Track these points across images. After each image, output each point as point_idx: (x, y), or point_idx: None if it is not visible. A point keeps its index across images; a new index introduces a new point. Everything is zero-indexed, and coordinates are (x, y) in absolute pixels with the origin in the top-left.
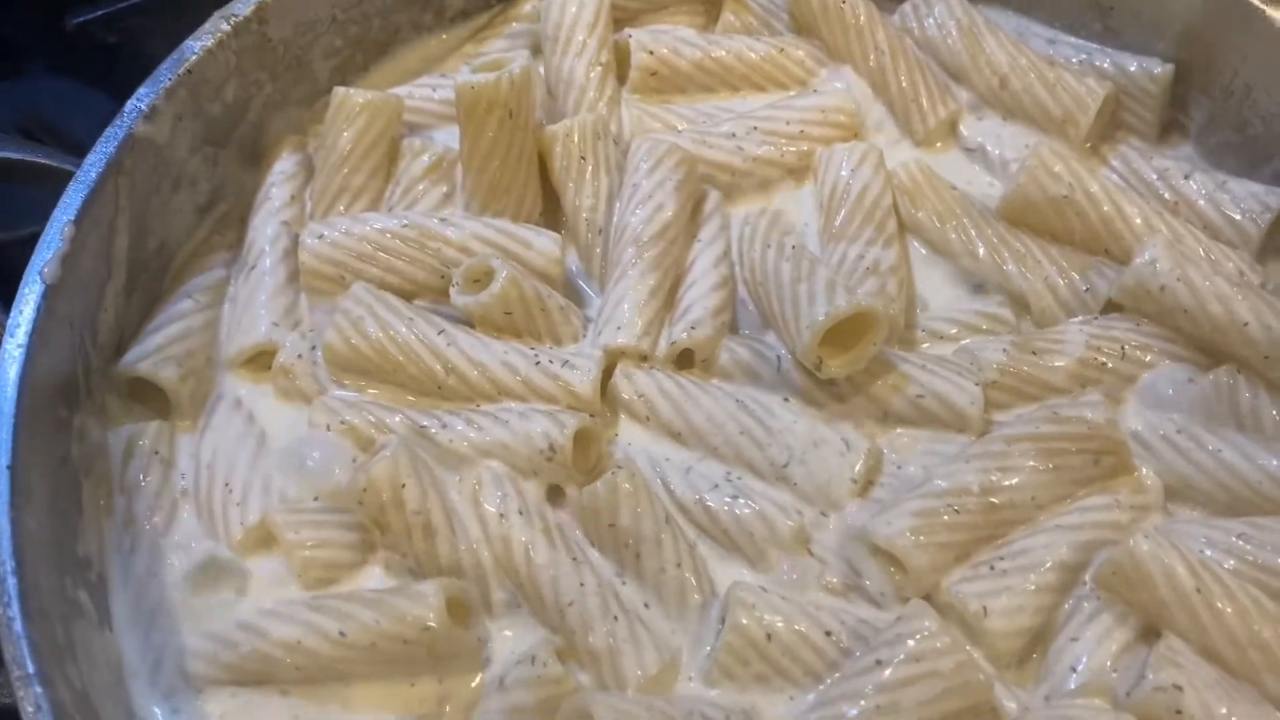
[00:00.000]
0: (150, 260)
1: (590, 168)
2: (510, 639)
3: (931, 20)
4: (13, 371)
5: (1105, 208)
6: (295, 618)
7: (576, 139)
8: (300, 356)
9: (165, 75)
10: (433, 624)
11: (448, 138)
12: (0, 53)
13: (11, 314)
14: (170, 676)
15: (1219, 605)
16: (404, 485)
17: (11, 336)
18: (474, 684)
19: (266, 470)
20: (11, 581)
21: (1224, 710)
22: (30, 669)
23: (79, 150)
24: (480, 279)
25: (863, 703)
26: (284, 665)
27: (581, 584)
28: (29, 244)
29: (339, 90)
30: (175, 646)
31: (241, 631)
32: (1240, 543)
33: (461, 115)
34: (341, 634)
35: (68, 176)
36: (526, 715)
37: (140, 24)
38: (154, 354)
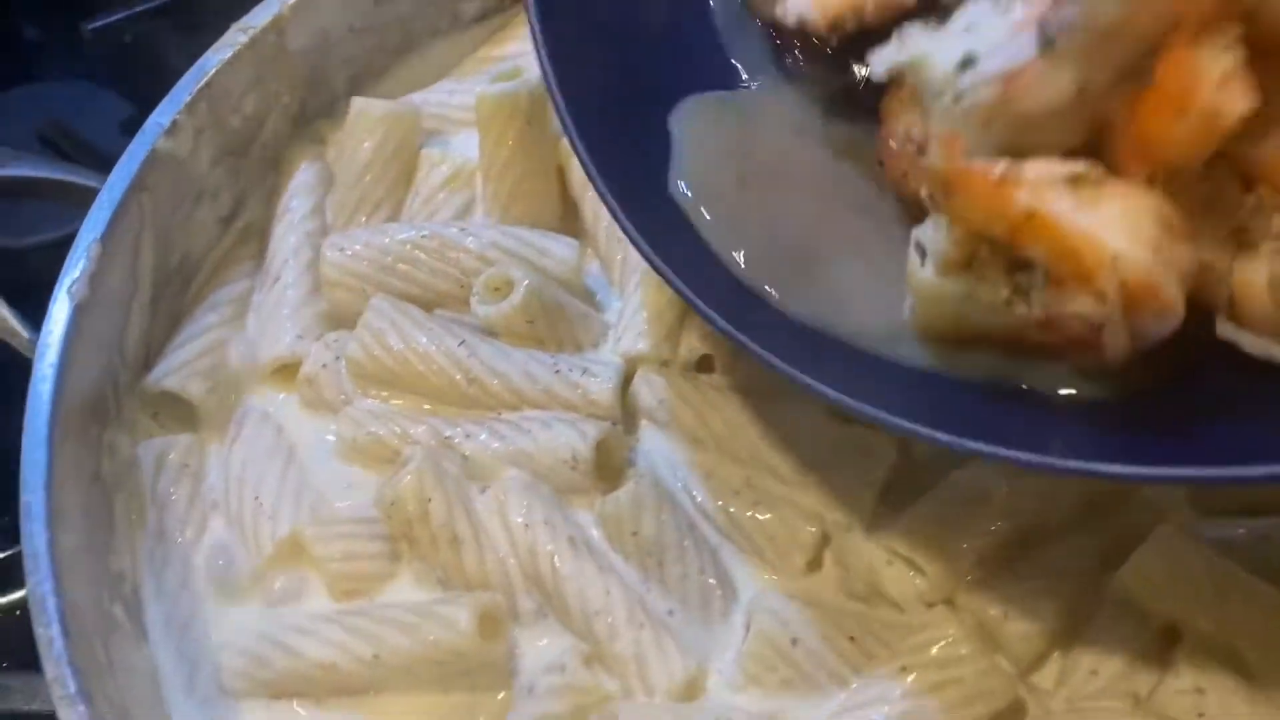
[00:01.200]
0: (174, 274)
1: None
2: (540, 648)
3: None
4: (45, 390)
5: None
6: (330, 639)
7: None
8: (324, 367)
9: (185, 89)
10: (465, 649)
11: (465, 144)
12: (18, 57)
13: (41, 334)
14: (206, 688)
15: (1240, 605)
16: (430, 499)
17: (43, 357)
18: (503, 694)
19: (296, 482)
20: (51, 602)
21: (1246, 712)
22: (72, 689)
23: (96, 155)
24: (500, 288)
25: (888, 708)
26: (318, 683)
27: (608, 592)
28: (42, 251)
29: (357, 101)
30: (210, 659)
31: (276, 650)
32: (1259, 542)
33: (481, 125)
34: (375, 656)
35: (90, 191)
36: None
37: (156, 27)
38: (181, 369)
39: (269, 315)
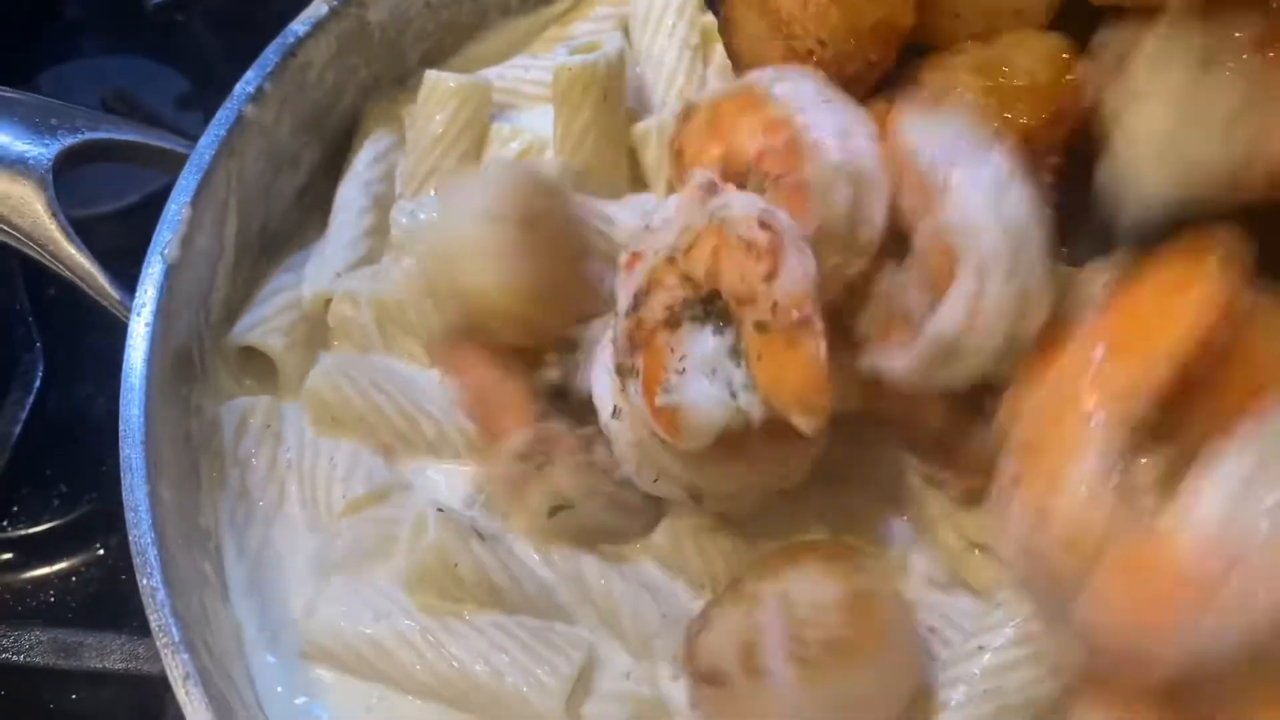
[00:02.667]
0: (255, 239)
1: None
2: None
3: None
4: (141, 348)
5: None
6: (422, 657)
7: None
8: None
9: (271, 58)
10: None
11: (535, 119)
12: (81, 34)
13: (136, 294)
14: (287, 650)
15: None
16: (456, 565)
17: (138, 316)
18: None
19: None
20: (153, 553)
21: None
22: (176, 637)
23: (160, 124)
24: None
25: (965, 688)
26: (400, 681)
27: (664, 615)
28: (114, 219)
29: (430, 74)
30: (291, 624)
31: (362, 642)
32: None
33: (557, 97)
34: (463, 694)
35: (175, 156)
36: None
37: (217, 5)
38: (261, 325)
39: (318, 254)
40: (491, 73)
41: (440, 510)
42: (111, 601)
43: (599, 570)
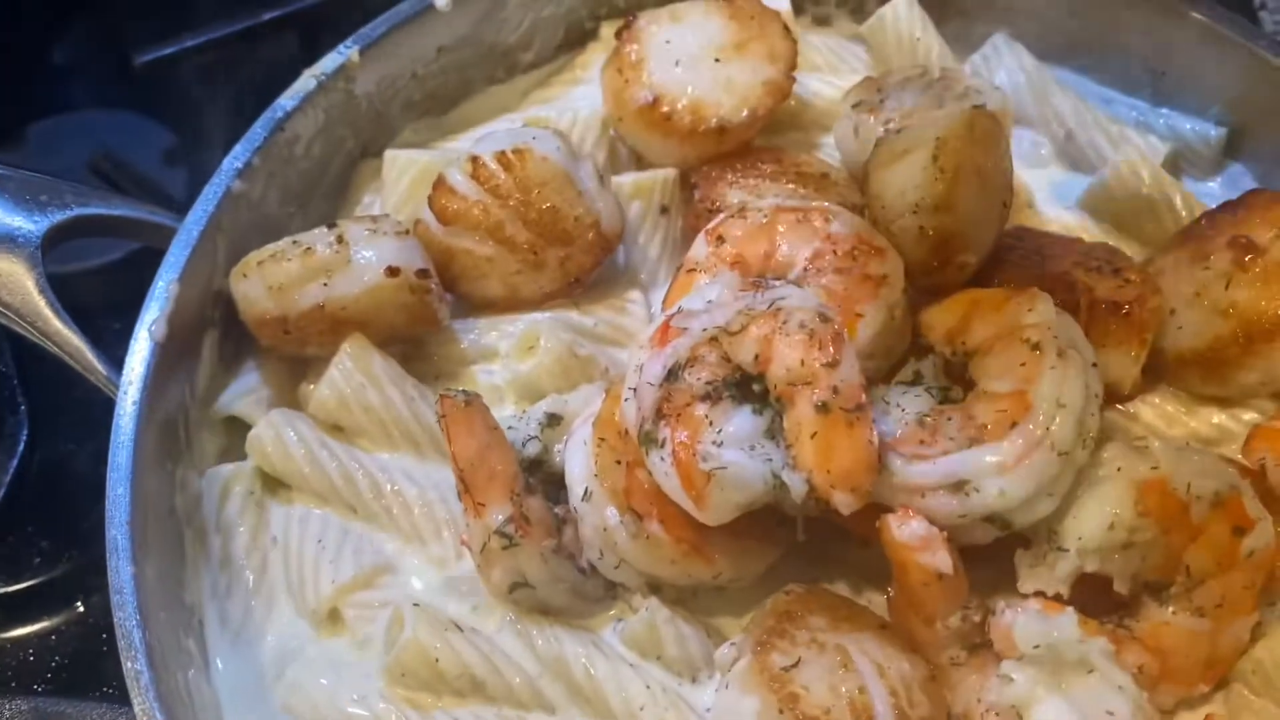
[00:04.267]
0: None
1: None
2: None
3: (1003, 71)
4: (128, 428)
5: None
6: None
7: None
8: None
9: (259, 133)
10: None
11: None
12: (70, 87)
13: (124, 371)
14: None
15: None
16: (437, 660)
17: (125, 394)
18: None
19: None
20: (138, 635)
21: None
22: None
23: (145, 185)
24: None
25: None
26: None
27: (648, 687)
28: (98, 275)
29: (389, 154)
30: (271, 698)
31: None
32: None
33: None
34: None
35: (163, 230)
36: None
37: (205, 61)
38: (247, 395)
39: None
40: (465, 144)
41: (416, 605)
42: (91, 660)
43: (580, 651)
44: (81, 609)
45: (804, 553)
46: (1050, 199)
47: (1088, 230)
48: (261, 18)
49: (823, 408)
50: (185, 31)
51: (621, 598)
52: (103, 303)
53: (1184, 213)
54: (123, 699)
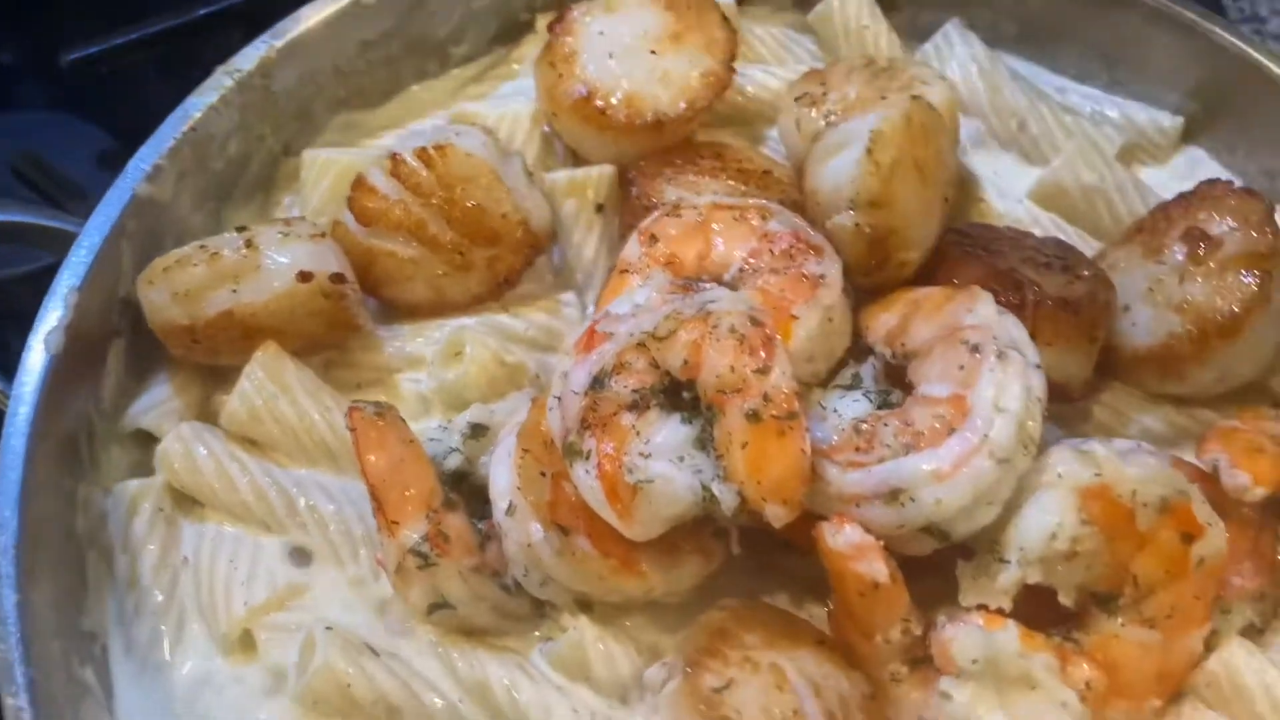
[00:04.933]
0: None
1: None
2: None
3: (954, 62)
4: (18, 446)
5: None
6: None
7: None
8: None
9: (168, 134)
10: None
11: None
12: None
13: (15, 384)
14: None
15: None
16: (349, 685)
17: (15, 411)
18: None
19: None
20: (20, 670)
21: None
22: None
23: (72, 189)
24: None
25: None
26: None
27: (575, 711)
28: (19, 284)
29: (308, 154)
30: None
31: None
32: None
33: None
34: None
35: (68, 237)
36: None
37: (136, 59)
38: (158, 407)
39: None
40: (392, 141)
41: (329, 629)
42: None
43: (503, 674)
44: None
45: (743, 564)
46: (1001, 192)
47: (1039, 224)
48: (198, 13)
49: (753, 416)
50: (117, 28)
51: (550, 617)
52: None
53: (1138, 203)
54: None
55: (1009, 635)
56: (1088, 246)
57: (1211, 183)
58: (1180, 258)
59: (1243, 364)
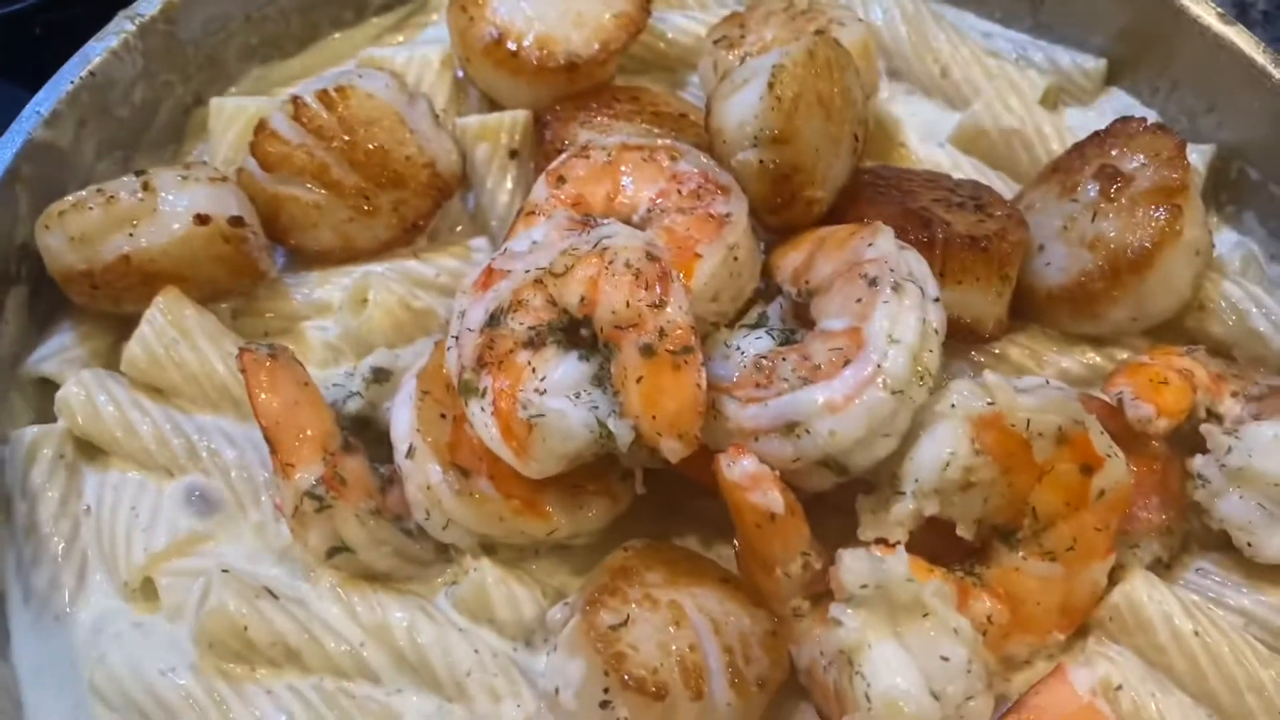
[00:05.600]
0: None
1: None
2: None
3: (877, 6)
4: None
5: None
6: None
7: None
8: None
9: (66, 78)
10: None
11: None
12: None
13: None
14: (76, 689)
15: (1217, 649)
16: (246, 628)
17: None
18: None
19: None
20: None
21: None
22: None
23: None
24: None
25: None
26: None
27: (476, 651)
28: None
29: (215, 102)
30: (78, 672)
31: (147, 697)
32: (1231, 591)
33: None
34: None
35: None
36: None
37: (66, 17)
38: (59, 355)
39: None
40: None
41: (226, 571)
42: None
43: (404, 617)
44: None
45: (652, 507)
46: (923, 137)
47: (960, 168)
48: None
49: (648, 350)
50: None
51: (455, 561)
52: None
53: (1056, 145)
54: None
55: (898, 560)
56: (1009, 190)
57: (1125, 120)
58: (1093, 195)
59: (1156, 301)
